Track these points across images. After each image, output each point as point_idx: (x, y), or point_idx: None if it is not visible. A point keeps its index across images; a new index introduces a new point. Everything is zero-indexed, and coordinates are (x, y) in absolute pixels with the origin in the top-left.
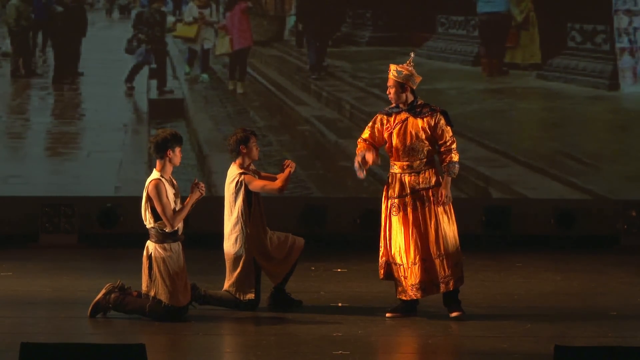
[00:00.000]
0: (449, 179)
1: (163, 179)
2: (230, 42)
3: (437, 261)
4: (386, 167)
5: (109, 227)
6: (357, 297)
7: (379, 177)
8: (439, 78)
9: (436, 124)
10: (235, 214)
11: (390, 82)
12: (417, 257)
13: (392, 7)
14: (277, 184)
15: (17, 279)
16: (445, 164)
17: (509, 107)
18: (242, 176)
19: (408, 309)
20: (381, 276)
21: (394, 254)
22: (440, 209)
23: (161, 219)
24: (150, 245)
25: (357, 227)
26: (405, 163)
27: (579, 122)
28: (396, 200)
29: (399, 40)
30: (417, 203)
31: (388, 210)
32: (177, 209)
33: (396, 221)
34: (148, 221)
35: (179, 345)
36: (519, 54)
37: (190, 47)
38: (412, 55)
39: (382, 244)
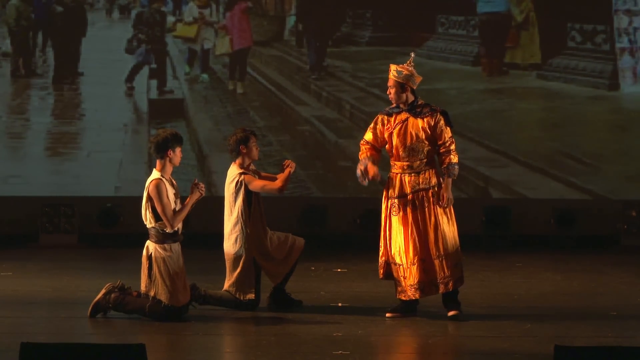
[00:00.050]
0: (450, 180)
1: (164, 179)
2: (230, 42)
3: (437, 262)
4: (386, 167)
5: (109, 227)
6: (357, 297)
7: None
8: (439, 78)
9: (436, 123)
10: (235, 214)
11: (390, 82)
12: (416, 257)
13: (392, 7)
14: (277, 184)
15: (17, 279)
16: (445, 165)
17: (509, 107)
18: (242, 176)
19: (408, 309)
20: (381, 276)
21: (394, 254)
22: (440, 210)
23: (162, 219)
24: (151, 246)
25: (357, 227)
26: (405, 163)
27: (579, 122)
28: (396, 200)
29: (399, 40)
30: (417, 203)
31: (388, 210)
32: (176, 209)
33: (396, 221)
34: (149, 221)
35: (179, 345)
36: (519, 54)
37: (190, 47)
38: (413, 55)
39: (382, 243)
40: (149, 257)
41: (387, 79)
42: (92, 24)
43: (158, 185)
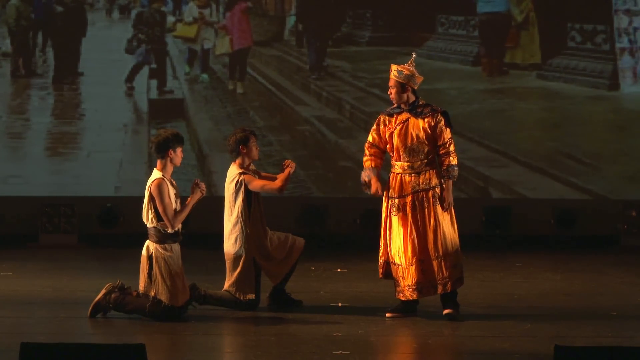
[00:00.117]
0: (450, 182)
1: (165, 179)
2: (230, 42)
3: (435, 262)
4: (387, 167)
5: (109, 227)
6: (357, 297)
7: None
8: (439, 78)
9: (436, 124)
10: (235, 214)
11: (391, 83)
12: (415, 258)
13: (392, 7)
14: (277, 183)
15: (17, 279)
16: (445, 167)
17: (509, 107)
18: (242, 176)
19: (408, 309)
20: (380, 275)
21: (393, 254)
22: (440, 210)
23: (163, 219)
24: (151, 246)
25: (357, 227)
26: (406, 163)
27: (579, 122)
28: (396, 201)
29: (399, 40)
30: (417, 204)
31: (388, 210)
32: (177, 209)
33: (396, 221)
34: (150, 221)
35: (179, 345)
36: (519, 54)
37: (190, 47)
38: (414, 55)
39: (382, 243)
40: (149, 257)
41: (387, 79)
42: (92, 24)
43: (160, 185)
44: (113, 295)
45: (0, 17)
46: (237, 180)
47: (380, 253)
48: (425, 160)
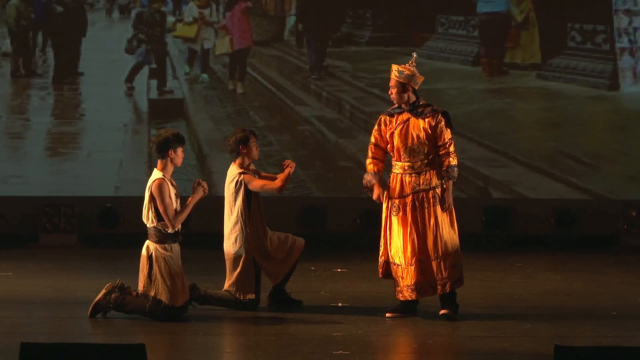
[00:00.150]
0: (450, 183)
1: (166, 179)
2: (230, 42)
3: (435, 263)
4: (388, 167)
5: (109, 227)
6: (357, 297)
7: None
8: (439, 78)
9: (437, 124)
10: (235, 214)
11: (392, 82)
12: (414, 258)
13: (392, 7)
14: (277, 183)
15: (17, 279)
16: (444, 168)
17: (509, 107)
18: (242, 176)
19: (408, 309)
20: (380, 275)
21: (393, 254)
22: (440, 210)
23: (164, 219)
24: (151, 246)
25: (357, 227)
26: (406, 164)
27: (579, 122)
28: (396, 201)
29: (399, 40)
30: (417, 204)
31: (388, 211)
32: (177, 209)
33: (396, 221)
34: (150, 221)
35: (179, 345)
36: (519, 54)
37: (190, 47)
38: (415, 55)
39: (382, 243)
40: (149, 257)
41: (387, 79)
42: (92, 24)
43: (161, 185)
44: (113, 295)
45: (0, 17)
46: (237, 180)
47: (381, 253)
48: (426, 161)
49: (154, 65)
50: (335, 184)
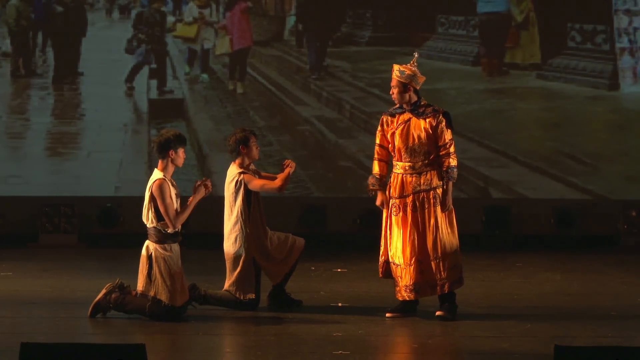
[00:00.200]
0: (451, 184)
1: (166, 179)
2: (230, 42)
3: (434, 263)
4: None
5: (109, 227)
6: (357, 297)
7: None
8: (439, 78)
9: (437, 124)
10: (234, 214)
11: (393, 82)
12: (413, 258)
13: (392, 7)
14: (277, 183)
15: (17, 279)
16: (444, 169)
17: (509, 107)
18: (242, 175)
19: (408, 309)
20: (380, 274)
21: (393, 254)
22: (440, 211)
23: (164, 219)
24: (151, 246)
25: (357, 227)
26: (407, 164)
27: (579, 122)
28: (397, 201)
29: (399, 40)
30: (417, 204)
31: (389, 211)
32: (177, 209)
33: (396, 222)
34: (150, 221)
35: (179, 345)
36: (519, 54)
37: (190, 47)
38: (416, 55)
39: (382, 243)
40: (149, 257)
41: (387, 79)
42: (92, 24)
43: (162, 185)
44: (113, 295)
45: (0, 17)
46: (237, 180)
47: (381, 252)
48: (427, 161)
49: (154, 65)
50: (335, 184)
